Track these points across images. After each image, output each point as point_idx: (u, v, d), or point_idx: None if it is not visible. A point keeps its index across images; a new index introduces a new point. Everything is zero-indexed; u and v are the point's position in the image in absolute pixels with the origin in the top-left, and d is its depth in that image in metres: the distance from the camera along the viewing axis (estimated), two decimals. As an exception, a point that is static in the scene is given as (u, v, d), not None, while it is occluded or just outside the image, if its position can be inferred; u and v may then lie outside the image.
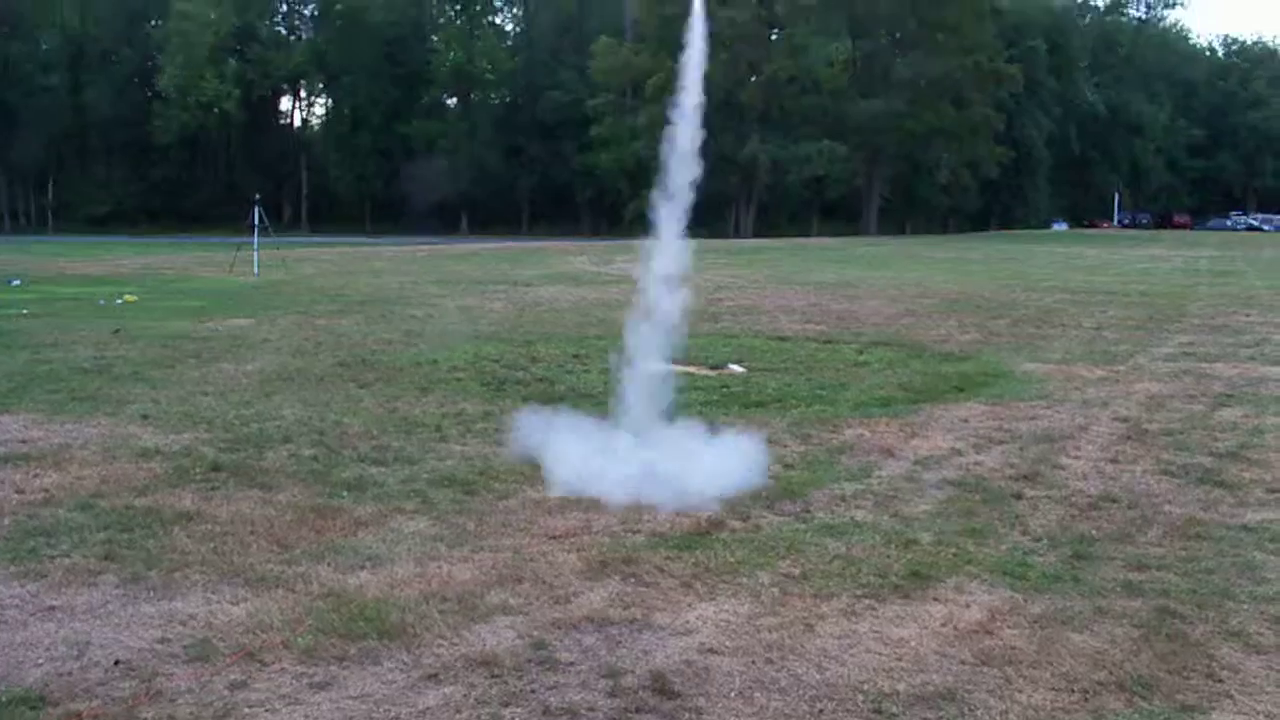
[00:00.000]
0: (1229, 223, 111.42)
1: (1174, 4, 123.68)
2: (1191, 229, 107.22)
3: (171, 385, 12.67)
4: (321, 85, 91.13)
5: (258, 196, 37.87)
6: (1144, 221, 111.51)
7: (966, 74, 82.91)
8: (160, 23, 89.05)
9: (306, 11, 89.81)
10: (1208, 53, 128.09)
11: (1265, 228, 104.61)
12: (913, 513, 7.94)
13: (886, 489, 8.56)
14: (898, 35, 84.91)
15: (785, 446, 9.87)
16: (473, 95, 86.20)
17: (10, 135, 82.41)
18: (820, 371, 14.54)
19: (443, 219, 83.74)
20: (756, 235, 77.08)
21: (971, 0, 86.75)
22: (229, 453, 9.32)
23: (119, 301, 24.07)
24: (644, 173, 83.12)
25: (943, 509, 8.06)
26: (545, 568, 6.65)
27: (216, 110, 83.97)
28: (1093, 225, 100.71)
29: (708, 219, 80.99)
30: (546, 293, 27.18)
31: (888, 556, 6.93)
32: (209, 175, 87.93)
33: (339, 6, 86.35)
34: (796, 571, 6.65)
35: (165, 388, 12.50)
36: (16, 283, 28.68)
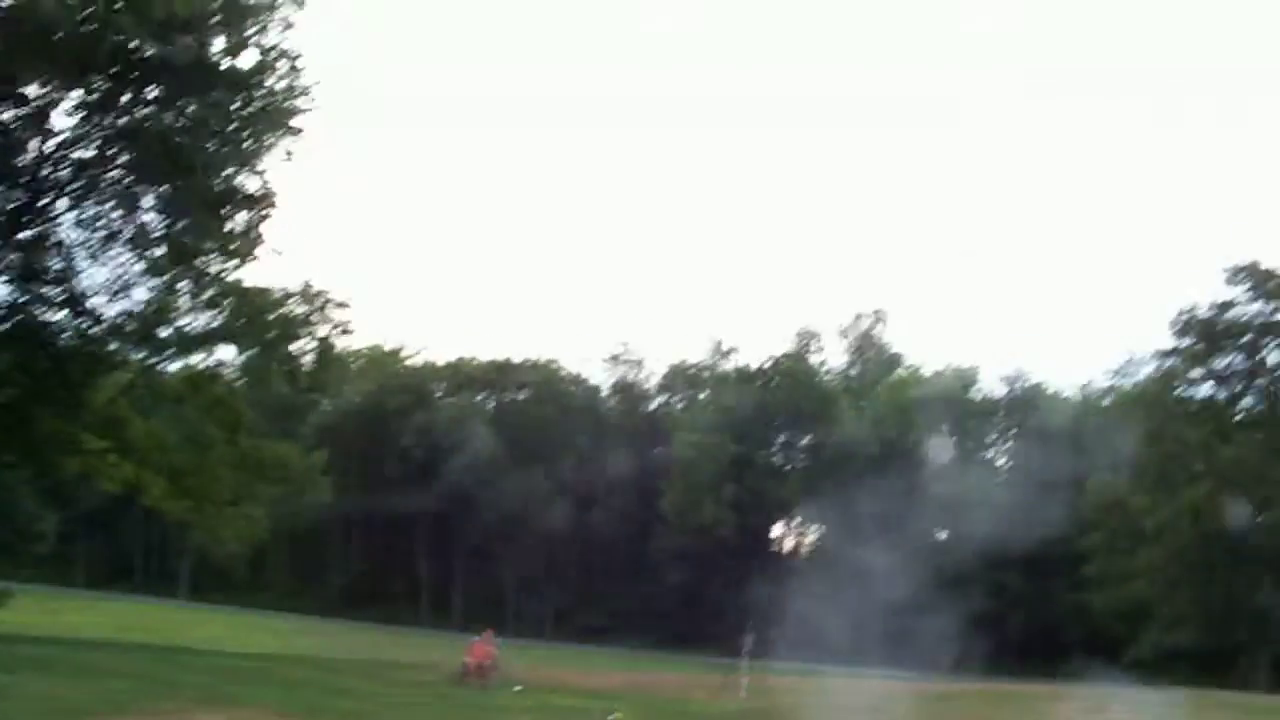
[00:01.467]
0: None
1: None
2: None
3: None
4: (813, 514, 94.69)
5: (751, 624, 39.35)
6: None
7: None
8: (663, 450, 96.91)
9: (802, 443, 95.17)
10: None
11: None
12: None
13: None
14: None
15: None
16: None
17: (521, 547, 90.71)
18: None
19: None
20: (1272, 690, 69.62)
21: None
22: None
23: (610, 718, 25.65)
24: (1142, 616, 77.21)
25: None
26: None
27: (712, 534, 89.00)
28: None
29: (1215, 668, 74.64)
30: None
31: None
32: (698, 597, 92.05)
33: (831, 439, 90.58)
34: None
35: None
36: (519, 689, 31.24)
